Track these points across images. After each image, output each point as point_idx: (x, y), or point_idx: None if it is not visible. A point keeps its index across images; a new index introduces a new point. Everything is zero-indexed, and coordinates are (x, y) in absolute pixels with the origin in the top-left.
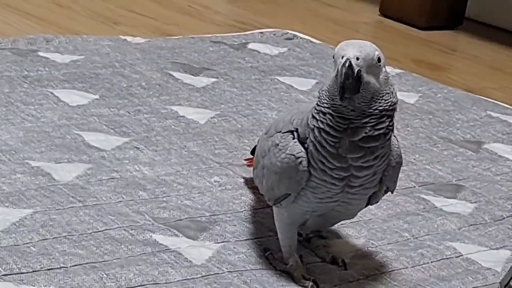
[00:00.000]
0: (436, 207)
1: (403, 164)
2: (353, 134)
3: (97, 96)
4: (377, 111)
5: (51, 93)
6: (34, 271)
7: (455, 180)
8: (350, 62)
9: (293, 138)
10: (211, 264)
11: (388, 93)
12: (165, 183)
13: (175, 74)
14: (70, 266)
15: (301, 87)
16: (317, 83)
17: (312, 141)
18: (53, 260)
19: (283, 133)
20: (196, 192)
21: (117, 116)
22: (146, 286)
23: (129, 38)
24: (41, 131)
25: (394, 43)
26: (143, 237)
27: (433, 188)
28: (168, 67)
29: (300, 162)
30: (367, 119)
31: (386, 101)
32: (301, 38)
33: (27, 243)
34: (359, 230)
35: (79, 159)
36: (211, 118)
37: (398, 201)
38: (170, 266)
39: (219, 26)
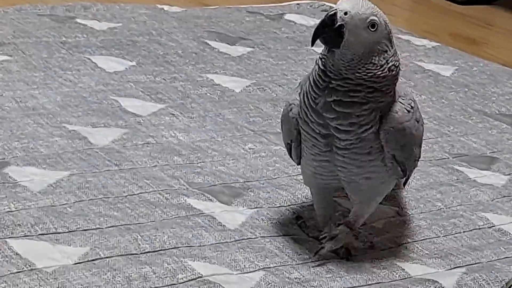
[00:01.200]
0: (470, 178)
1: (437, 136)
2: (328, 94)
3: (133, 63)
4: (353, 75)
5: (89, 59)
6: (70, 231)
7: (489, 152)
8: (335, 13)
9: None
10: (244, 229)
11: (374, 64)
12: (200, 149)
13: (211, 43)
14: (106, 227)
15: None
16: None
17: (302, 92)
18: (89, 221)
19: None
20: (230, 158)
21: (153, 83)
22: (180, 248)
23: (166, 7)
24: (78, 96)
25: (431, 17)
26: (177, 201)
27: (467, 159)
28: (204, 36)
29: (291, 109)
30: (341, 82)
31: (368, 70)
32: None
33: (64, 204)
34: (391, 198)
35: (115, 124)
36: (247, 86)
37: (431, 171)
38: (204, 230)
39: None
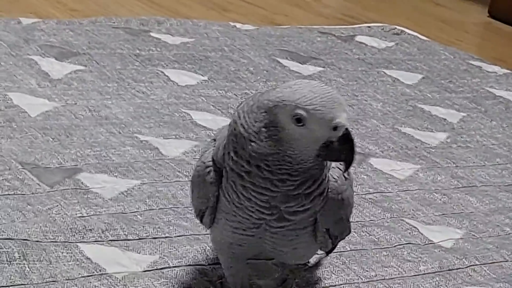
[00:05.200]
0: None
1: (507, 162)
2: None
3: (205, 78)
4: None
5: (162, 72)
6: (140, 239)
7: None
8: (350, 134)
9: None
10: None
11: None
12: None
13: (282, 61)
14: (175, 236)
15: (407, 80)
16: (423, 78)
17: (233, 157)
18: (158, 229)
19: (209, 141)
20: None
21: (225, 97)
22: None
23: (238, 25)
24: (150, 108)
25: (502, 44)
26: None
27: None
28: (276, 54)
29: (208, 172)
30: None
31: None
32: (408, 34)
33: (134, 211)
34: (461, 220)
35: (186, 136)
36: None
37: (500, 196)
38: None
39: (327, 18)
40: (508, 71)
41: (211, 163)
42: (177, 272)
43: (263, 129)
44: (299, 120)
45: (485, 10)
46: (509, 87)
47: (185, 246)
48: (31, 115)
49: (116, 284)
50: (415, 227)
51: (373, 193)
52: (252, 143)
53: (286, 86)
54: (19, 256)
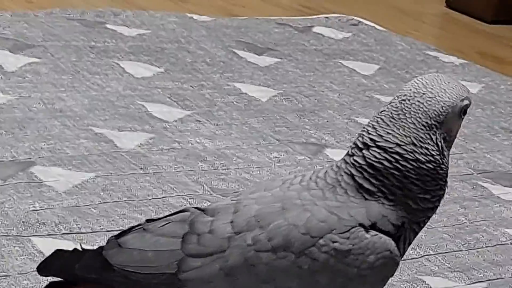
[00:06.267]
0: (494, 195)
1: (462, 152)
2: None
3: (161, 70)
4: None
5: (117, 64)
6: (93, 232)
7: None
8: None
9: (367, 231)
10: None
11: None
12: (225, 156)
13: (239, 52)
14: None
15: (364, 71)
16: (379, 68)
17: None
18: (112, 222)
19: (341, 233)
20: (255, 166)
21: (181, 89)
22: None
23: (195, 16)
24: (105, 100)
25: (460, 35)
26: (201, 206)
27: (492, 176)
28: (232, 46)
29: (396, 254)
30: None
31: None
32: (366, 24)
33: (88, 205)
34: None
35: (141, 128)
36: (273, 96)
37: (455, 186)
38: None
39: (284, 9)
40: (465, 62)
41: (390, 242)
42: None
43: (443, 144)
44: (465, 112)
45: (442, 0)
46: (466, 78)
47: None
48: None
49: None
50: None
51: None
52: (442, 166)
53: (420, 92)
54: None
